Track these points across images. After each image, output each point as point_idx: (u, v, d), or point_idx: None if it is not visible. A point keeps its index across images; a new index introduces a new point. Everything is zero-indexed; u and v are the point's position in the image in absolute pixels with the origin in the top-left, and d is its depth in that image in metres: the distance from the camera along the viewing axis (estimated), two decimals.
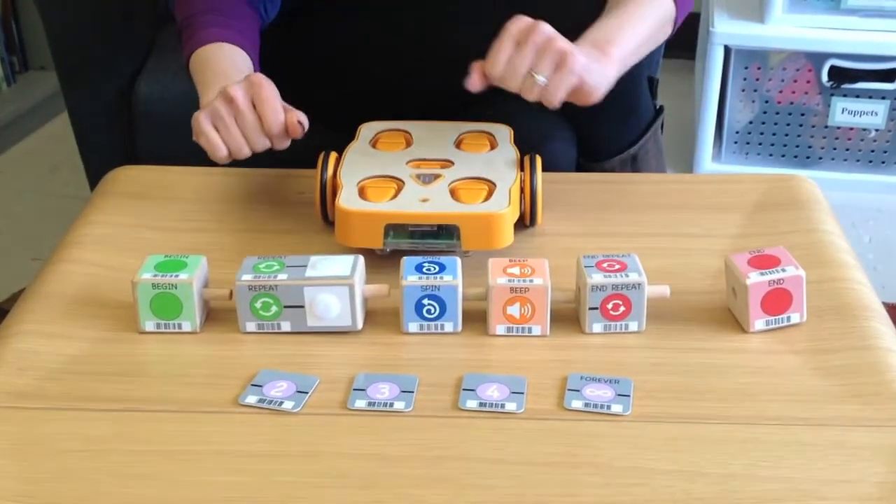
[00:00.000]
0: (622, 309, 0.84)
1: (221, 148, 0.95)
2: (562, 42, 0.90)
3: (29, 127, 2.32)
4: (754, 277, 0.83)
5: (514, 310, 0.84)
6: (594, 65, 0.92)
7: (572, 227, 1.00)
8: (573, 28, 1.15)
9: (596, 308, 0.84)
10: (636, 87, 1.21)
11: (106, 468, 0.72)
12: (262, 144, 0.95)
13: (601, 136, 1.23)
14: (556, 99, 0.91)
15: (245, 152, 0.96)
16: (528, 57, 0.90)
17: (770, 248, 0.86)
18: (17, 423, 0.77)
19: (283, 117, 0.94)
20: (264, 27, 1.13)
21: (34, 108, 2.34)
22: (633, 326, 0.85)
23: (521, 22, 0.91)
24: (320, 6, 1.18)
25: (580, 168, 1.23)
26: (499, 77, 0.92)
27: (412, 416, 0.76)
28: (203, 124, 0.94)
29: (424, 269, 0.85)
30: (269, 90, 0.94)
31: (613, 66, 0.95)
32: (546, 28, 0.91)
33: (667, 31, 1.04)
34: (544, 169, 0.98)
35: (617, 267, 0.84)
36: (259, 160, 1.11)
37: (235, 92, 0.93)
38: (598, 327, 0.84)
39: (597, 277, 0.83)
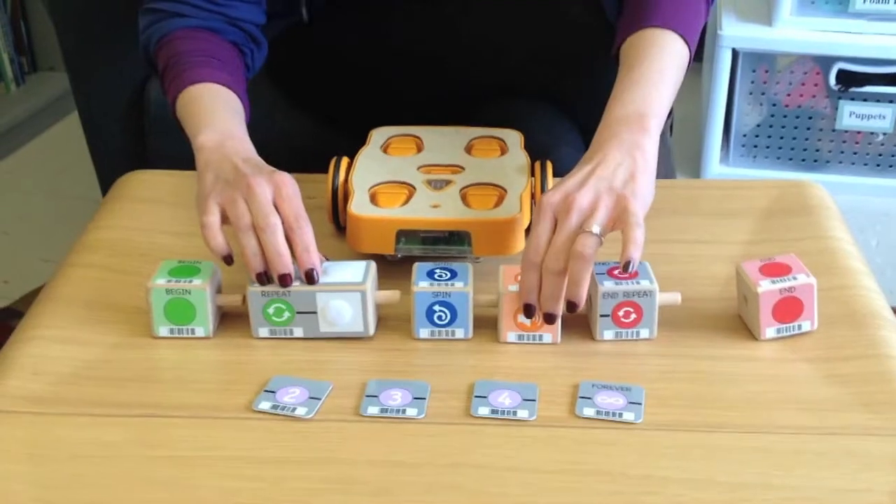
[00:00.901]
0: (633, 316, 0.84)
1: (224, 250, 0.87)
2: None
3: (38, 128, 2.33)
4: (765, 286, 0.83)
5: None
6: (639, 185, 0.85)
7: None
8: (566, 34, 1.15)
9: (607, 315, 0.84)
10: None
11: (120, 473, 0.73)
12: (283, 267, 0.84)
13: None
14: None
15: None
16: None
17: (781, 255, 0.86)
18: (32, 428, 0.77)
19: (314, 256, 0.84)
20: (249, 78, 1.08)
21: (43, 109, 2.35)
22: (645, 333, 0.85)
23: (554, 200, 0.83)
24: (331, 9, 1.18)
25: None
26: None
27: (424, 422, 0.77)
28: (210, 217, 0.86)
29: (436, 276, 0.85)
30: (297, 202, 0.86)
31: (653, 142, 0.89)
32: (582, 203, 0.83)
33: (683, 74, 1.00)
34: (554, 174, 0.98)
35: (628, 274, 0.85)
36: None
37: (259, 190, 0.85)
38: (609, 334, 0.85)
39: (608, 285, 0.84)
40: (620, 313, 0.84)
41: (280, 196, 0.85)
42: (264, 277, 0.84)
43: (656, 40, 0.95)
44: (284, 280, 0.84)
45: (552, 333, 0.84)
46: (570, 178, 0.85)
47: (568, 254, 0.81)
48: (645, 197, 0.85)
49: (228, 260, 0.86)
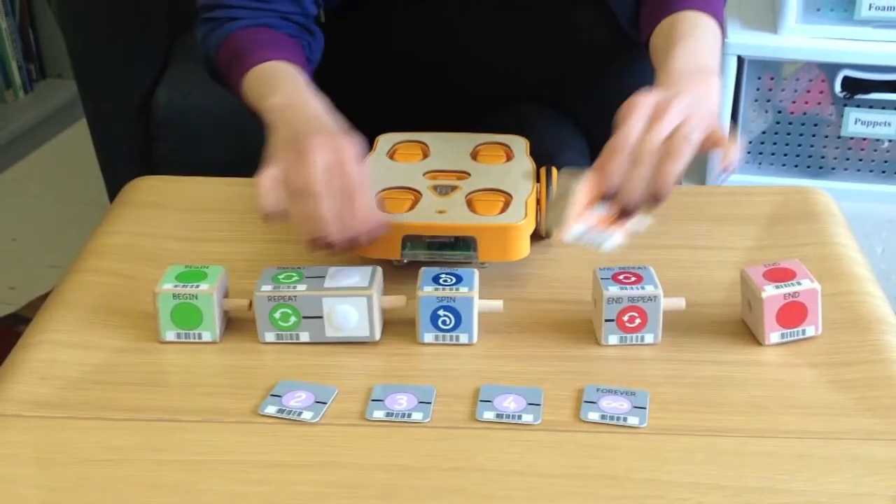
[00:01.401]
0: (638, 321, 0.84)
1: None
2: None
3: (46, 134, 2.34)
4: (770, 290, 0.83)
5: None
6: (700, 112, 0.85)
7: None
8: (573, 41, 1.16)
9: (612, 320, 0.84)
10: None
11: (127, 477, 0.73)
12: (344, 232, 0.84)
13: None
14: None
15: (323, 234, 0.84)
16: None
17: (785, 260, 0.87)
18: (40, 432, 0.78)
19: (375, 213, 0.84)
20: (312, 72, 1.07)
21: (51, 116, 2.36)
22: (649, 339, 0.85)
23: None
24: (341, 11, 1.18)
25: None
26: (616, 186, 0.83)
27: (429, 426, 0.77)
28: (268, 191, 0.84)
29: (441, 281, 0.86)
30: (359, 173, 0.84)
31: (719, 94, 0.89)
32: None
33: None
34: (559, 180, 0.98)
35: (633, 279, 0.85)
36: None
37: (313, 153, 0.83)
38: (614, 339, 0.85)
39: (613, 290, 0.84)
40: (625, 318, 0.84)
41: (336, 161, 0.83)
42: (314, 244, 0.84)
43: (693, 20, 0.97)
44: (316, 243, 0.83)
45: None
46: (654, 92, 0.84)
47: (661, 148, 0.81)
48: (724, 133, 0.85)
49: (266, 217, 0.84)
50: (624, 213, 0.83)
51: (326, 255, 0.95)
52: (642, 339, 0.85)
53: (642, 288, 0.84)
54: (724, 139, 0.84)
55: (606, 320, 0.84)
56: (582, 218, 0.83)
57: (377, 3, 1.15)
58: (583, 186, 0.83)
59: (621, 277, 0.85)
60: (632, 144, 0.82)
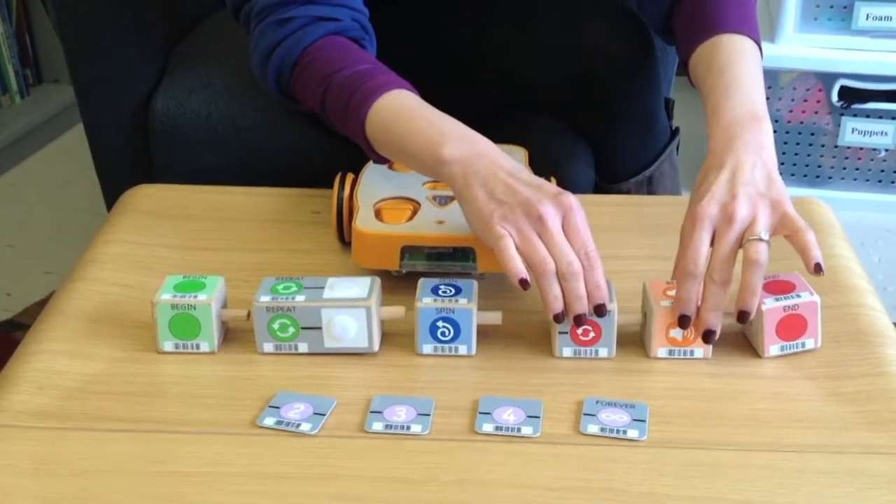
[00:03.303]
0: (592, 335, 0.84)
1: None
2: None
3: (42, 140, 2.33)
4: (769, 303, 0.83)
5: None
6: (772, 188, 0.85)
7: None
8: (581, 53, 1.16)
9: (566, 333, 0.84)
10: (654, 107, 1.21)
11: (124, 488, 0.73)
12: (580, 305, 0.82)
13: (619, 157, 1.23)
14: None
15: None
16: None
17: (785, 273, 0.87)
18: (36, 443, 0.77)
19: (604, 287, 0.82)
20: None
21: (47, 121, 2.35)
22: (604, 353, 0.84)
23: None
24: None
25: (598, 189, 1.23)
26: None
27: (428, 439, 0.77)
28: (507, 247, 0.82)
29: (440, 292, 0.86)
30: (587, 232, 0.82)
31: (772, 141, 0.89)
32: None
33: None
34: (564, 189, 0.98)
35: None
36: (273, 179, 1.12)
37: (552, 224, 0.81)
38: (568, 352, 0.85)
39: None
40: (579, 331, 0.84)
41: (569, 226, 0.81)
42: (562, 316, 0.82)
43: (735, 45, 0.96)
44: (580, 320, 0.82)
45: (704, 349, 0.84)
46: (714, 187, 0.84)
47: (732, 263, 0.81)
48: (787, 195, 0.85)
49: (525, 284, 0.81)
50: (706, 338, 0.82)
51: (324, 266, 0.96)
52: (596, 352, 0.85)
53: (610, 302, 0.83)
54: (799, 229, 0.82)
55: (560, 332, 0.84)
56: (664, 342, 0.84)
57: (383, 12, 1.15)
58: (661, 314, 0.83)
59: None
60: (702, 265, 0.81)
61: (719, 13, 0.98)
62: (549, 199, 0.82)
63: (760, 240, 0.81)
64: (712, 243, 0.83)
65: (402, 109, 0.90)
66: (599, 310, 0.82)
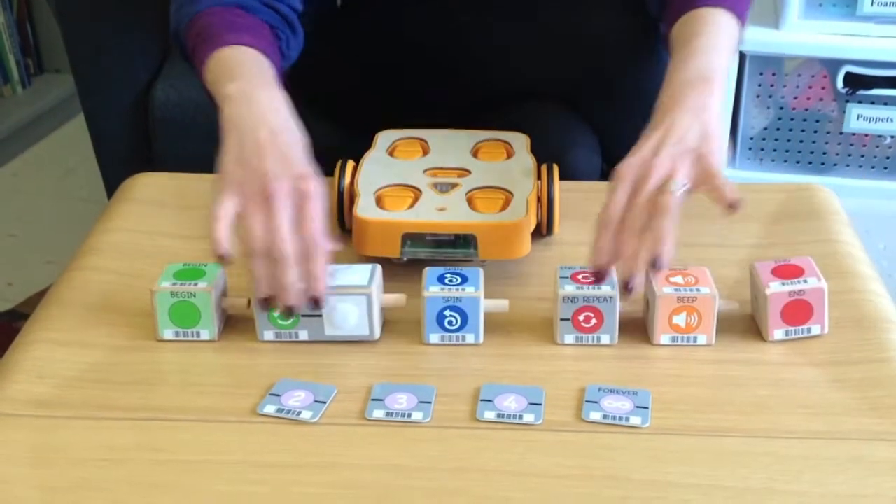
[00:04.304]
0: (594, 321, 0.83)
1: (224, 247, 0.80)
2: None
3: (43, 130, 2.33)
4: (774, 287, 0.83)
5: None
6: (707, 140, 0.85)
7: (590, 237, 0.99)
8: (583, 38, 1.15)
9: (568, 319, 0.83)
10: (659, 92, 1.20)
11: (124, 477, 0.72)
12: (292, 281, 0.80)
13: (626, 143, 1.22)
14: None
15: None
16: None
17: (797, 258, 0.86)
18: (36, 431, 0.77)
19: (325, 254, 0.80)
20: (286, 68, 1.01)
21: (49, 111, 2.35)
22: (605, 339, 0.84)
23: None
24: (351, 8, 1.17)
25: (605, 176, 1.23)
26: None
27: (430, 426, 0.76)
28: (221, 213, 0.80)
29: (446, 280, 0.85)
30: (319, 208, 0.81)
31: (718, 103, 0.89)
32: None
33: (737, 46, 1.00)
34: (568, 177, 0.98)
35: (591, 279, 0.84)
36: None
37: (279, 208, 0.79)
38: (570, 339, 0.84)
39: (569, 289, 0.83)
40: (581, 318, 0.83)
41: (301, 212, 0.80)
42: (266, 302, 0.81)
43: (709, 17, 0.96)
44: (290, 311, 0.81)
45: (707, 336, 0.84)
46: (642, 146, 0.85)
47: (648, 213, 0.81)
48: (720, 154, 0.85)
49: (220, 260, 0.81)
50: (626, 287, 0.81)
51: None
52: (598, 339, 0.84)
53: (598, 288, 0.83)
54: (715, 181, 0.82)
55: (562, 319, 0.83)
56: (667, 328, 0.84)
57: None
58: (663, 301, 0.83)
59: (580, 277, 0.85)
60: (618, 216, 0.82)
61: None
62: (289, 179, 0.80)
63: (672, 193, 0.81)
64: None
65: (239, 55, 0.92)
66: (315, 302, 0.80)
